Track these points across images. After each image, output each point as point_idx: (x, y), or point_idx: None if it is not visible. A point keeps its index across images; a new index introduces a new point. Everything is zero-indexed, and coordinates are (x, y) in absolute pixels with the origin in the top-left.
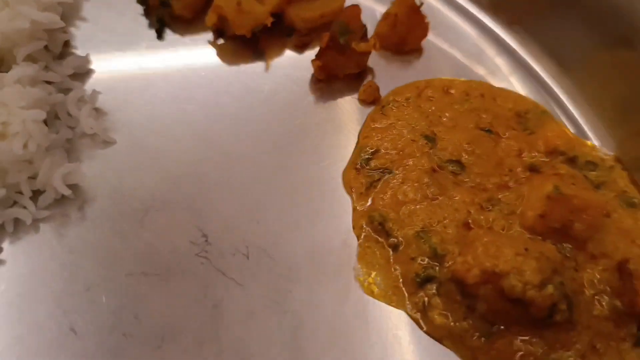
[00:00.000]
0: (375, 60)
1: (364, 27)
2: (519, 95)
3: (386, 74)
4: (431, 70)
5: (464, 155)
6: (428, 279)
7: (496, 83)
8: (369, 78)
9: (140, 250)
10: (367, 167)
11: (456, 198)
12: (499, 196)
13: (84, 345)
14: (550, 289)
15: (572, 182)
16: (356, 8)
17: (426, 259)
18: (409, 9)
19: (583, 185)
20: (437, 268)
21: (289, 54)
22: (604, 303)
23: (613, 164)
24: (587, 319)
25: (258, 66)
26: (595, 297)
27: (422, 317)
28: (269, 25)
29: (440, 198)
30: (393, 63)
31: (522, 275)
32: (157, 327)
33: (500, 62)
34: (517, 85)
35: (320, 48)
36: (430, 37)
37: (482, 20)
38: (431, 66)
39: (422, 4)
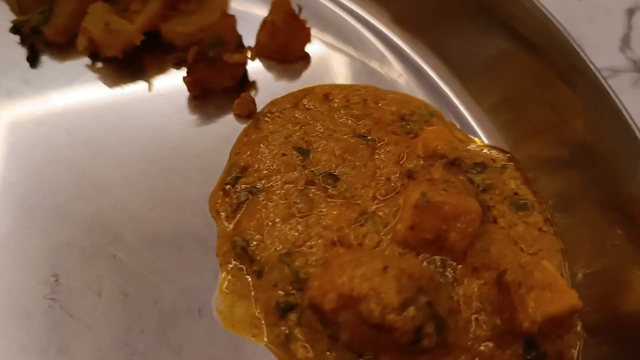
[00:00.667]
0: (259, 72)
1: (239, 38)
2: (406, 97)
3: (269, 85)
4: (318, 78)
5: (338, 167)
6: (290, 308)
7: (386, 87)
8: (250, 91)
9: None
10: (235, 187)
11: (326, 215)
12: (374, 209)
13: None
14: (412, 311)
15: (444, 187)
16: (230, 18)
17: (289, 285)
18: (286, 15)
19: (457, 190)
20: (295, 296)
21: (171, 71)
22: (483, 322)
23: (506, 164)
24: (466, 341)
25: (139, 87)
26: (475, 315)
27: (283, 351)
28: (139, 44)
29: (310, 216)
30: (277, 73)
31: (380, 297)
32: None
33: (392, 64)
34: (407, 87)
35: (188, 63)
36: (317, 43)
37: (370, 22)
38: (318, 73)
39: (300, 9)
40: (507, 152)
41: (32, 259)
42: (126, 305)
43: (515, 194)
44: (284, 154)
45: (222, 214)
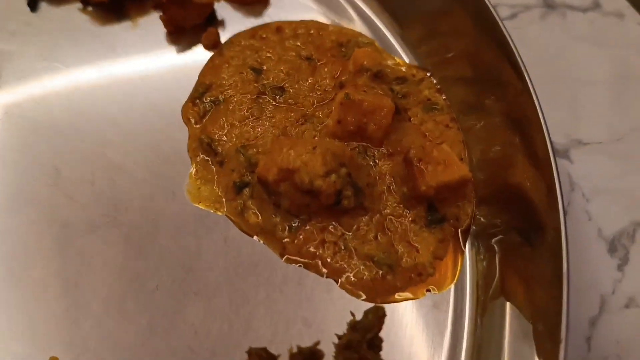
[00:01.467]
0: (225, 11)
1: None
2: (345, 29)
3: (233, 22)
4: (276, 18)
5: (285, 81)
6: (244, 185)
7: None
8: (217, 27)
9: None
10: (202, 99)
11: (273, 117)
12: (312, 112)
13: None
14: (333, 177)
15: (364, 89)
16: None
17: (243, 169)
18: None
19: (374, 92)
20: (249, 176)
21: (150, 12)
22: (394, 191)
23: (423, 77)
24: (380, 205)
25: (122, 28)
26: (390, 186)
27: (240, 219)
28: None
29: (261, 119)
30: (240, 13)
31: (309, 168)
32: None
33: (345, 6)
34: (350, 27)
35: (162, 3)
36: None
37: None
38: (276, 14)
39: None
40: (427, 70)
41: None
42: (114, 190)
43: (429, 99)
44: (241, 73)
45: (192, 120)
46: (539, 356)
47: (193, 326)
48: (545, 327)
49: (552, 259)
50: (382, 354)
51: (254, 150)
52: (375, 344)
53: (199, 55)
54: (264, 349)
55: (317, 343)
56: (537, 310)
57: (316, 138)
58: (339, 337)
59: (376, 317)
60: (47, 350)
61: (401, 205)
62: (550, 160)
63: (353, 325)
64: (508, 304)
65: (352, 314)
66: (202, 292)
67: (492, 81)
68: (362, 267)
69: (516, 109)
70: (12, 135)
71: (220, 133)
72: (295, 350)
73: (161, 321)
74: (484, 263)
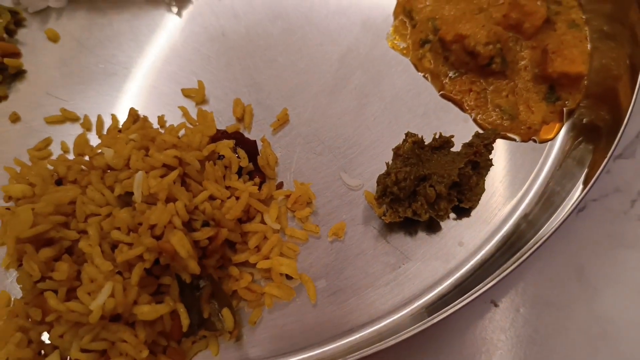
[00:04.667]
0: None
1: None
2: None
3: None
4: None
5: None
6: (427, 42)
7: None
8: None
9: None
10: None
11: (459, 4)
12: (486, 6)
13: None
14: (490, 47)
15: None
16: None
17: (428, 32)
18: None
19: (535, 1)
20: (432, 36)
21: None
22: (529, 70)
23: (574, 5)
24: (516, 77)
25: None
26: (526, 67)
27: (418, 63)
28: None
29: (449, 3)
30: None
31: (476, 37)
32: None
33: None
34: None
35: None
36: None
37: None
38: None
39: None
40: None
41: None
42: (333, 34)
43: (573, 20)
44: None
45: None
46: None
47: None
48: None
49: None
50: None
51: (440, 21)
52: (488, 149)
53: None
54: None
55: (452, 136)
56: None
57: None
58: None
59: (493, 134)
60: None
61: (531, 81)
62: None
63: (477, 134)
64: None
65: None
66: (371, 94)
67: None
68: (492, 112)
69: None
70: None
71: (419, 6)
72: (437, 136)
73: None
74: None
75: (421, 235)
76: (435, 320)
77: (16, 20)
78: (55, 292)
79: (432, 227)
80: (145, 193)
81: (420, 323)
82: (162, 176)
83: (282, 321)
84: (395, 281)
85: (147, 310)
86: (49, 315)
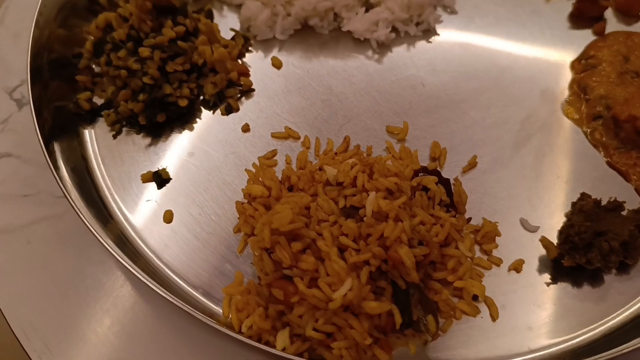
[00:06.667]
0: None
1: None
2: None
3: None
4: None
5: None
6: (599, 116)
7: None
8: None
9: None
10: (586, 60)
11: (630, 87)
12: None
13: None
14: None
15: None
16: None
17: (601, 108)
18: None
19: None
20: (604, 111)
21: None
22: None
23: None
24: None
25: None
26: None
27: (590, 134)
28: None
29: (620, 85)
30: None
31: None
32: None
33: None
34: None
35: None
36: None
37: None
38: None
39: None
40: None
41: None
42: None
43: None
44: (615, 56)
45: (574, 70)
46: None
47: None
48: None
49: None
50: None
51: (612, 100)
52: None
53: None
54: None
55: (624, 202)
56: None
57: None
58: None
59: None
60: None
61: None
62: None
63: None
64: None
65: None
66: (547, 155)
67: None
68: None
69: None
70: None
71: (593, 84)
72: (612, 199)
73: None
74: None
75: (584, 281)
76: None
77: (246, 45)
78: (300, 278)
79: (595, 275)
80: (375, 210)
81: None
82: (384, 198)
83: (468, 333)
84: (556, 314)
85: (374, 306)
86: (290, 297)
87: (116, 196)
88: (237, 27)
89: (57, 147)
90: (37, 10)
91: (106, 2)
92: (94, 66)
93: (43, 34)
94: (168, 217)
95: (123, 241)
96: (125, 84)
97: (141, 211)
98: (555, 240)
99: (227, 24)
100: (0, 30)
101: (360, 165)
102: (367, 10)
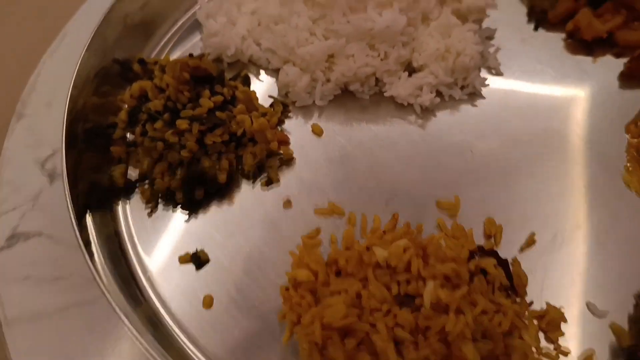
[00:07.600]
0: None
1: None
2: None
3: None
4: None
5: None
6: None
7: None
8: None
9: None
10: None
11: None
12: None
13: None
14: None
15: None
16: None
17: None
18: None
19: None
20: None
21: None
22: None
23: None
24: None
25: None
26: None
27: None
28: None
29: None
30: None
31: None
32: None
33: None
34: None
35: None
36: None
37: None
38: None
39: None
40: None
41: None
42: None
43: None
44: None
45: (630, 134)
46: None
47: None
48: None
49: None
50: None
51: None
52: None
53: None
54: None
55: None
56: None
57: None
58: None
59: None
60: None
61: None
62: None
63: None
64: None
65: None
66: (610, 232)
67: None
68: None
69: None
70: None
71: None
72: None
73: None
74: None
75: None
76: None
77: (285, 112)
78: None
79: None
80: (433, 301)
81: None
82: (442, 285)
83: None
84: None
85: None
86: None
87: (152, 278)
88: (275, 93)
89: (89, 222)
90: (73, 78)
91: (140, 70)
92: (127, 135)
93: (78, 102)
94: (208, 302)
95: (155, 324)
96: (162, 155)
97: (177, 294)
98: (626, 326)
99: (264, 88)
100: (33, 97)
101: (413, 249)
102: (410, 75)
